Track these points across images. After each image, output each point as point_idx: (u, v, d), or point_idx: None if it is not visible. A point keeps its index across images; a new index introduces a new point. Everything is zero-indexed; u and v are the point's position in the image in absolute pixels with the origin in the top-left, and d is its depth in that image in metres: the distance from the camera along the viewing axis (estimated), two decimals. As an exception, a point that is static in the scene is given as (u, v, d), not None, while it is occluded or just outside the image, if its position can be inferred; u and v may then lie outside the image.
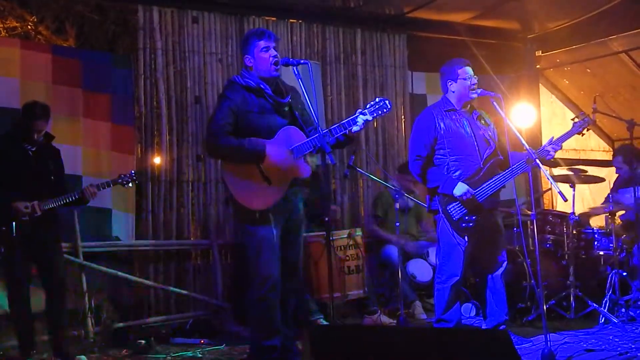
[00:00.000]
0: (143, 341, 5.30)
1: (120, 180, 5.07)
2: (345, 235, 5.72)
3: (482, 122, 4.96)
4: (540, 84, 8.73)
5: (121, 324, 5.82)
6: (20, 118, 4.89)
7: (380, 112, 4.12)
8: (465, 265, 4.78)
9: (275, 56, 4.16)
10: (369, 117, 4.08)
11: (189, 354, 5.15)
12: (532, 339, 4.86)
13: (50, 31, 6.46)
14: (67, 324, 5.06)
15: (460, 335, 3.37)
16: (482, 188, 4.70)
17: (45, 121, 4.89)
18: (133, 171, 5.24)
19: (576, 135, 4.96)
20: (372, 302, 6.05)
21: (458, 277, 4.78)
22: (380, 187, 6.80)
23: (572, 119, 5.02)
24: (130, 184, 5.17)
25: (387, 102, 4.14)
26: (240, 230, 4.28)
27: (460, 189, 4.67)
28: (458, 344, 2.86)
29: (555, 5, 7.55)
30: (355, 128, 4.05)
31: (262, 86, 4.16)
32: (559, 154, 4.92)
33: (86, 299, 5.71)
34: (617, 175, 6.72)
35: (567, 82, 8.83)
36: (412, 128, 5.13)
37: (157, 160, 6.43)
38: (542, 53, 8.57)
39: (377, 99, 4.15)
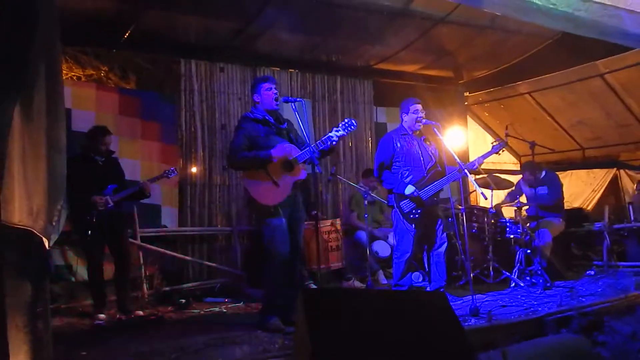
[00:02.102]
0: (183, 300, 5.29)
1: (165, 174, 5.11)
2: (329, 224, 5.71)
3: (428, 143, 5.00)
4: (467, 116, 8.75)
5: (167, 288, 5.80)
6: (89, 138, 4.89)
7: (349, 128, 4.09)
8: (414, 245, 4.80)
9: (276, 94, 4.17)
10: (342, 132, 4.06)
11: (217, 309, 5.14)
12: (462, 298, 4.88)
13: (117, 77, 6.44)
14: (129, 288, 5.04)
15: (411, 295, 3.37)
16: (425, 190, 4.73)
17: (111, 136, 4.93)
18: (173, 167, 5.25)
19: (494, 154, 5.02)
20: (348, 271, 6.04)
21: (409, 254, 4.79)
22: (353, 189, 6.80)
23: (492, 142, 5.06)
24: (173, 175, 5.18)
25: (353, 121, 4.12)
26: (260, 223, 4.20)
27: (409, 189, 4.69)
28: (410, 302, 2.85)
29: (478, 60, 7.63)
30: (334, 140, 4.02)
31: (267, 118, 4.16)
32: (482, 166, 4.96)
33: (142, 270, 5.70)
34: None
35: (487, 114, 8.88)
36: (377, 146, 5.15)
37: (194, 169, 6.40)
38: (469, 94, 8.62)
39: (346, 119, 4.13)
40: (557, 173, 6.89)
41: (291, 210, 4.16)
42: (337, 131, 4.06)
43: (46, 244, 2.59)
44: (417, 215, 4.72)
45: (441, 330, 2.69)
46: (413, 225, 4.72)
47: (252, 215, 6.07)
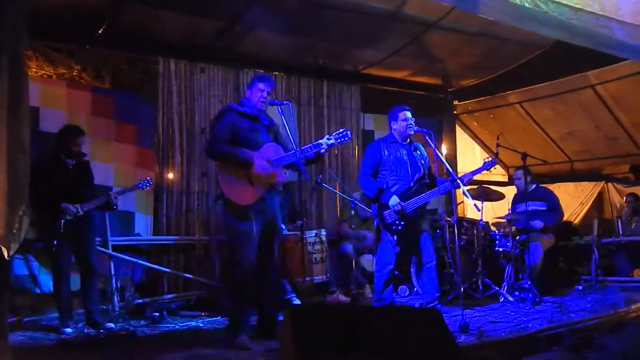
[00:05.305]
0: (157, 314, 5.10)
1: (140, 185, 4.97)
2: (314, 234, 5.56)
3: (418, 152, 4.91)
4: (456, 125, 8.69)
5: (140, 300, 5.58)
6: (60, 139, 4.71)
7: (342, 140, 4.06)
8: (398, 257, 4.69)
9: (264, 97, 4.11)
10: (333, 141, 4.03)
11: (193, 323, 4.98)
12: (450, 313, 4.77)
13: (90, 77, 6.21)
14: (97, 300, 4.85)
15: (405, 312, 3.24)
16: (410, 202, 4.64)
17: (83, 137, 4.76)
18: (149, 178, 5.10)
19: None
20: (332, 285, 5.89)
21: (391, 266, 4.70)
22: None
23: (484, 159, 5.01)
24: (147, 188, 5.03)
25: (349, 132, 4.09)
26: (226, 224, 4.09)
27: (393, 200, 4.60)
28: (403, 319, 2.74)
29: (467, 68, 7.61)
30: (323, 148, 3.98)
31: (255, 112, 4.09)
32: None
33: (113, 280, 5.50)
34: (514, 192, 6.68)
35: (476, 124, 8.84)
36: (364, 153, 5.06)
37: (171, 175, 6.20)
38: (458, 102, 8.56)
39: (341, 130, 4.09)
40: (546, 185, 6.86)
41: (265, 217, 4.02)
42: (328, 139, 4.02)
43: (5, 254, 2.40)
44: (399, 227, 4.61)
45: (436, 349, 2.60)
46: (395, 236, 4.61)
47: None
